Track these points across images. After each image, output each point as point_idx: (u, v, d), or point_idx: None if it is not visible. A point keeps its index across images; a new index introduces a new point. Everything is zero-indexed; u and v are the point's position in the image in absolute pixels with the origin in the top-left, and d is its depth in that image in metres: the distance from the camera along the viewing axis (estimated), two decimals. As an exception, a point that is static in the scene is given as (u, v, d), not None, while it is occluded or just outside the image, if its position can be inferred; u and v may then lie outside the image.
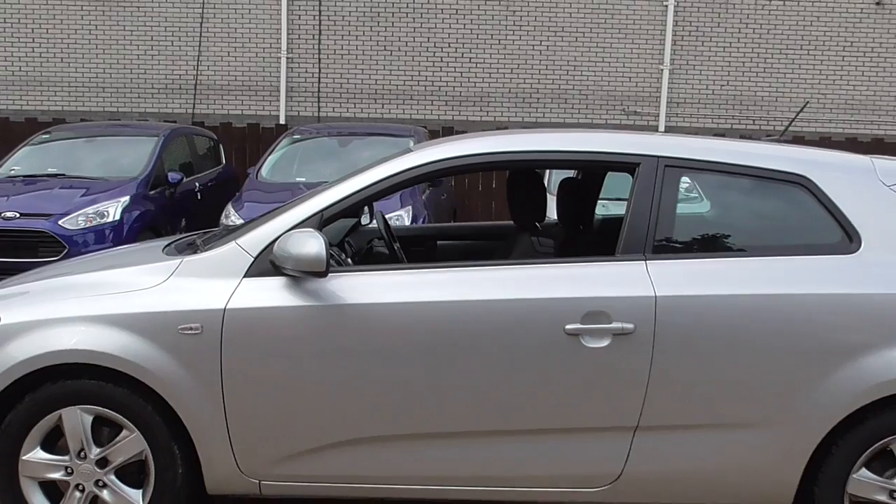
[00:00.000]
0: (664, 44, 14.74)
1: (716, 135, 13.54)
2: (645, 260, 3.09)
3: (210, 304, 3.02)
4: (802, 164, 3.25)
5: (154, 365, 2.99)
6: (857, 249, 3.12)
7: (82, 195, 8.02)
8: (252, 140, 12.78)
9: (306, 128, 9.33)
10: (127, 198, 8.06)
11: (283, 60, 14.45)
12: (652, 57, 14.84)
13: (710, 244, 3.24)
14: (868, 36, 14.71)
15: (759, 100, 14.93)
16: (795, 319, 3.03)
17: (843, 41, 14.79)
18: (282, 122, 14.28)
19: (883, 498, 3.08)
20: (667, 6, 14.66)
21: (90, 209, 7.82)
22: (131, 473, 3.12)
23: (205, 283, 3.07)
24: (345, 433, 3.06)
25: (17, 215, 7.63)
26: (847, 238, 3.14)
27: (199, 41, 14.60)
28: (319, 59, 14.58)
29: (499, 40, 14.64)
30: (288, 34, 14.49)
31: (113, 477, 3.09)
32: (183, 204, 9.13)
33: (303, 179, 8.35)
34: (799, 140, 13.64)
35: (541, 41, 14.76)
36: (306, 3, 14.50)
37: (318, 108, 14.67)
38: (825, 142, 13.59)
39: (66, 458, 3.09)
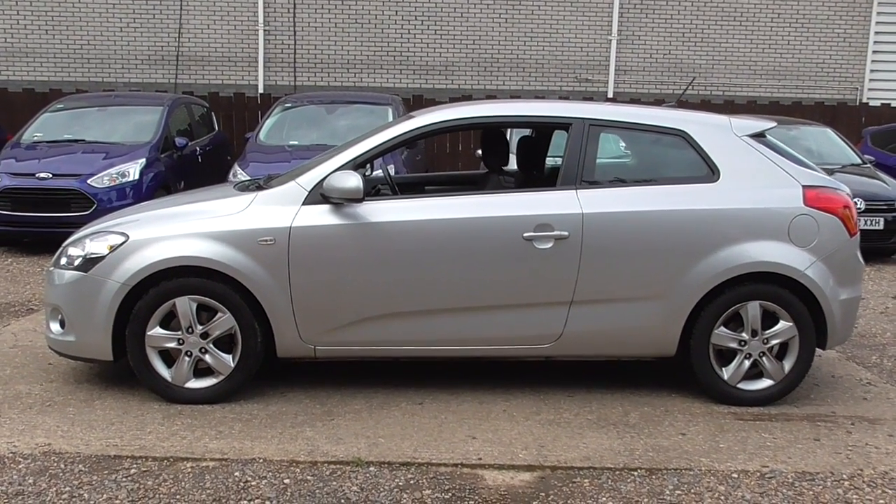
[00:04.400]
0: (612, 15, 16.11)
1: (657, 101, 15.09)
2: (576, 189, 4.54)
3: (280, 224, 4.41)
4: (681, 121, 4.71)
5: (242, 266, 4.37)
6: (717, 180, 4.60)
7: (104, 158, 9.24)
8: (238, 108, 13.94)
9: (296, 96, 10.59)
10: (143, 160, 9.31)
11: (261, 33, 15.55)
12: (601, 28, 16.22)
13: (620, 178, 4.68)
14: (793, 9, 16.22)
15: (697, 67, 16.41)
16: (675, 226, 4.50)
17: (771, 13, 16.28)
18: (261, 91, 15.44)
19: (734, 345, 4.59)
20: (613, -18, 15.96)
21: (113, 170, 9.06)
22: (224, 344, 4.50)
23: (275, 209, 4.45)
24: (373, 311, 4.47)
25: (50, 175, 8.86)
26: (711, 172, 4.62)
27: (180, 13, 15.59)
28: (294, 31, 15.71)
29: (461, 13, 15.90)
30: (264, 7, 15.55)
31: (212, 345, 4.48)
32: (186, 165, 10.37)
33: (295, 142, 9.67)
34: (730, 104, 15.21)
35: (500, 14, 16.04)
36: (283, -21, 15.58)
37: (295, 77, 15.84)
38: (752, 104, 15.18)
39: (179, 332, 4.45)
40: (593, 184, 4.58)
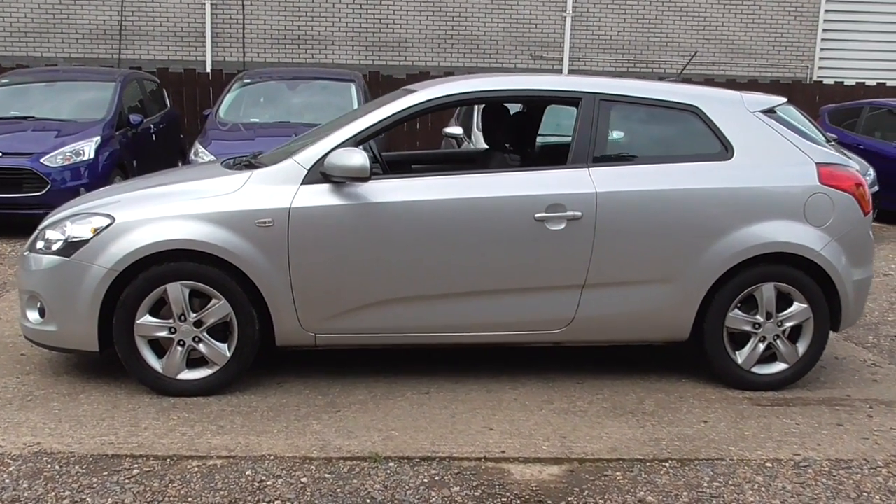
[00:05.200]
0: (567, -8, 16.02)
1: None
2: (588, 167, 4.35)
3: (278, 204, 4.12)
4: (694, 97, 4.56)
5: (239, 250, 4.07)
6: (731, 158, 4.46)
7: (56, 136, 8.73)
8: (189, 84, 13.40)
9: (254, 72, 10.19)
10: (98, 138, 8.83)
11: (208, 7, 14.97)
12: (556, 5, 16.07)
13: (631, 155, 4.52)
14: (746, -13, 16.36)
15: (651, 45, 16.43)
16: (691, 206, 4.35)
17: (725, -8, 16.39)
18: (209, 68, 14.89)
19: (748, 328, 4.48)
20: (570, -43, 15.83)
21: (67, 148, 8.56)
22: (218, 332, 4.21)
23: (272, 188, 4.16)
24: (377, 296, 4.22)
25: (1, 155, 8.32)
26: (724, 149, 4.48)
27: (123, -15, 14.94)
28: (243, 5, 15.18)
29: (416, -12, 15.62)
30: (211, -20, 15.03)
31: (206, 334, 4.18)
32: (141, 143, 9.91)
33: (256, 120, 9.30)
34: (686, 81, 15.22)
35: (454, -11, 15.80)
36: (232, -50, 15.02)
37: (244, 53, 15.32)
38: (709, 82, 15.21)
39: (170, 321, 4.14)
40: (605, 161, 4.40)
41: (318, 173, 4.16)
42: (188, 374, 4.20)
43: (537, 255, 4.27)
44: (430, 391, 4.37)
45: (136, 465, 3.45)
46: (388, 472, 3.47)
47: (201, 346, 4.18)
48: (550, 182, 4.30)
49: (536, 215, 4.24)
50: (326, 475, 3.42)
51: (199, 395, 4.18)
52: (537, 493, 3.35)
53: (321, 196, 4.15)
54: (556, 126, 6.45)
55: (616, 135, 4.46)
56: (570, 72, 16.07)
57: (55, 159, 8.44)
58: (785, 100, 4.81)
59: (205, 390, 4.20)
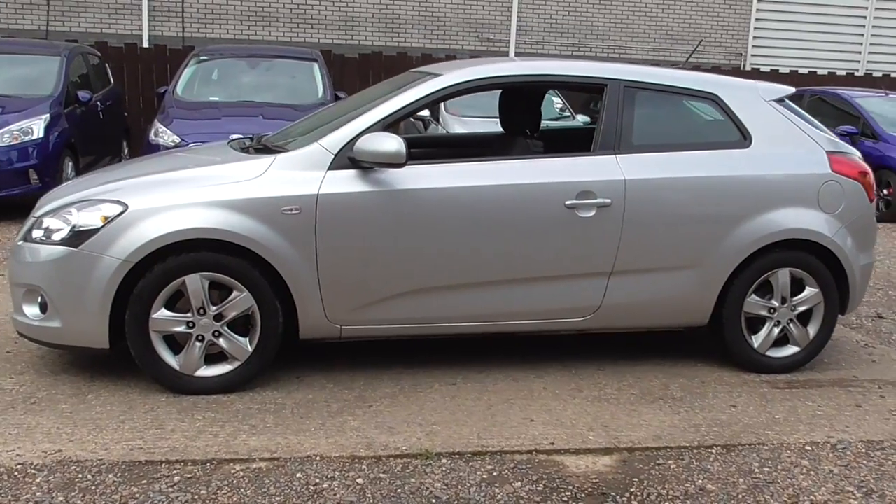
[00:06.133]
0: (513, -25, 15.96)
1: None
2: (615, 154, 4.30)
3: (306, 191, 3.93)
4: (712, 84, 4.56)
5: (264, 239, 3.87)
6: (750, 146, 4.48)
7: (0, 113, 8.21)
8: (129, 60, 12.80)
9: (211, 49, 9.79)
10: (47, 115, 8.36)
11: (145, -22, 14.38)
12: (502, -13, 16.03)
13: (654, 143, 4.48)
14: (687, -27, 16.62)
15: (595, 29, 16.54)
16: (714, 193, 4.35)
17: (665, -23, 16.61)
18: (146, 44, 14.28)
19: (764, 313, 4.53)
20: (519, -61, 15.77)
21: (14, 127, 8.08)
22: (238, 325, 4.01)
23: (298, 174, 3.96)
24: (405, 286, 4.09)
25: (-59, 134, 7.79)
26: (742, 137, 4.49)
27: (51, -48, 14.18)
28: (182, -23, 14.62)
29: (362, -34, 15.30)
30: (148, -50, 14.40)
31: (226, 328, 3.97)
32: (89, 121, 9.43)
33: (216, 98, 8.94)
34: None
35: (402, -31, 15.55)
36: (172, -79, 14.42)
37: (183, 29, 14.76)
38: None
39: (188, 315, 3.92)
40: (631, 148, 4.35)
41: (346, 158, 3.99)
42: (207, 371, 3.98)
43: (567, 242, 4.20)
44: (457, 382, 4.27)
45: (174, 472, 3.25)
46: (444, 469, 3.36)
47: (221, 341, 3.97)
48: (579, 169, 4.24)
49: (567, 202, 4.17)
50: (381, 475, 3.29)
51: (218, 392, 3.98)
52: (598, 485, 3.30)
53: (349, 182, 3.98)
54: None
55: (640, 122, 4.40)
56: (517, 55, 16.06)
57: (2, 138, 7.96)
58: (793, 89, 4.85)
59: (225, 387, 4.00)
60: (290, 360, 4.39)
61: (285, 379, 4.21)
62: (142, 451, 3.39)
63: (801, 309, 4.56)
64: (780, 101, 4.65)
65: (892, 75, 16.21)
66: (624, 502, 3.19)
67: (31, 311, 3.97)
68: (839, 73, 16.29)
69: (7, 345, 4.53)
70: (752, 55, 17.20)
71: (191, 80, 9.15)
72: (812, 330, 4.60)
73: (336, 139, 4.03)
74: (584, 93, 4.90)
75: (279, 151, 4.11)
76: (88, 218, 3.85)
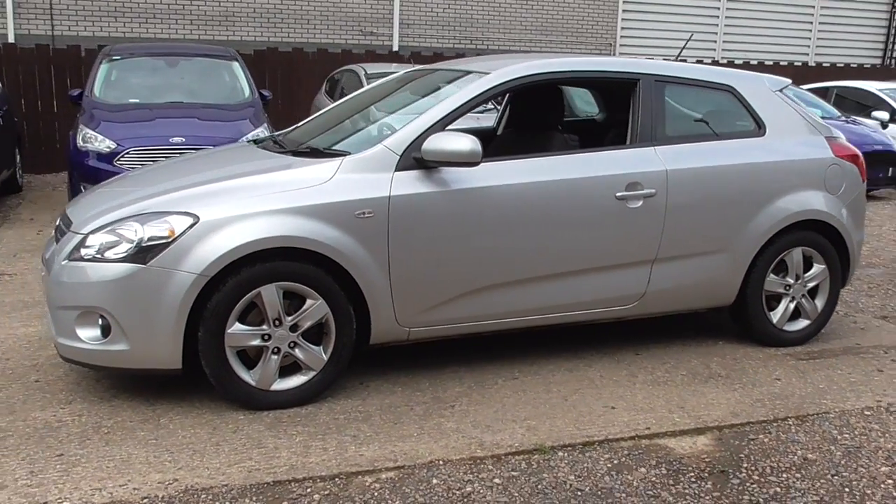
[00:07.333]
0: (394, -31, 15.95)
1: (439, 53, 15.32)
2: (654, 146, 4.48)
3: (377, 193, 3.85)
4: (727, 76, 4.83)
5: (340, 245, 3.76)
6: (764, 134, 4.79)
7: None
8: (10, 61, 11.79)
9: (121, 48, 9.20)
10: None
11: (6, -28, 13.29)
12: (382, -19, 15.98)
13: (683, 134, 4.68)
14: (556, -32, 17.20)
15: (475, 21, 16.81)
16: (741, 179, 4.62)
17: (538, -28, 17.12)
18: (10, 40, 13.23)
19: (781, 290, 4.86)
20: (404, -66, 15.75)
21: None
22: (312, 334, 3.87)
23: (367, 177, 3.87)
24: (471, 284, 4.08)
25: None
26: (758, 127, 4.79)
27: None
28: (46, -29, 13.62)
29: (243, -40, 14.80)
30: (8, -58, 13.32)
31: (301, 338, 3.83)
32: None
33: (137, 100, 8.45)
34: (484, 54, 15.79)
35: (283, -38, 15.17)
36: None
37: (52, 26, 13.78)
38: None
39: (264, 327, 3.75)
40: (666, 140, 4.54)
41: (411, 159, 3.94)
42: (282, 384, 3.84)
43: (618, 233, 4.34)
44: (518, 376, 4.31)
45: (309, 489, 3.13)
46: (566, 461, 3.42)
47: (297, 352, 3.83)
48: (625, 161, 4.38)
49: (617, 194, 4.30)
50: (513, 473, 3.31)
51: (293, 405, 3.84)
52: (712, 464, 3.45)
53: (416, 183, 3.94)
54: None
55: (671, 114, 4.60)
56: (400, 49, 16.08)
57: None
58: (791, 81, 5.21)
59: (300, 399, 3.86)
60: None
61: (350, 386, 4.11)
62: (261, 472, 3.24)
63: (810, 285, 4.92)
64: (781, 91, 4.98)
65: (752, 63, 17.44)
66: (745, 478, 3.36)
67: (89, 334, 3.68)
68: (706, 61, 17.35)
69: (30, 373, 4.17)
70: (621, 45, 18.05)
71: (106, 81, 8.59)
72: (820, 303, 4.98)
73: (400, 140, 3.97)
74: (614, 88, 4.98)
75: (341, 155, 4.00)
76: (155, 231, 3.61)
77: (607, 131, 5.06)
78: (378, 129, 4.46)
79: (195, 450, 3.41)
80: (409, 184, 3.93)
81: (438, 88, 4.38)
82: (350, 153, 3.98)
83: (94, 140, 7.54)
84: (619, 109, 5.05)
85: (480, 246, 4.06)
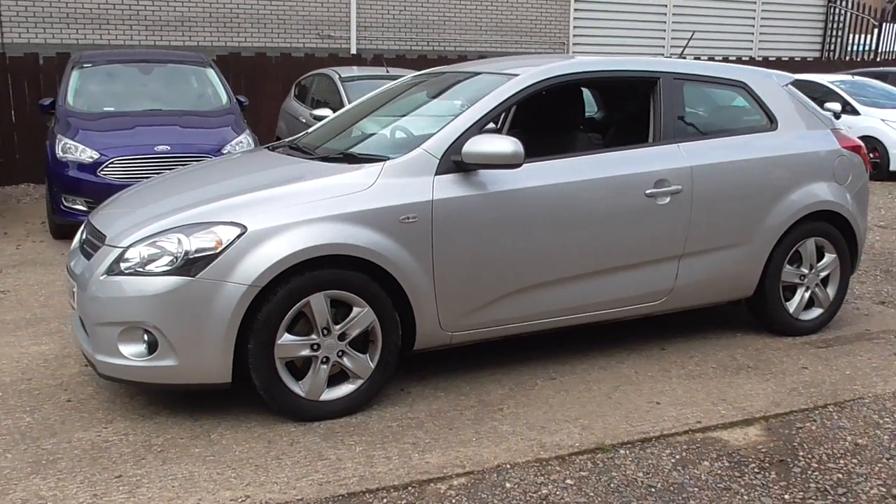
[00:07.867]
0: (350, -29, 15.85)
1: (398, 55, 15.32)
2: (677, 143, 4.54)
3: (421, 198, 3.82)
4: (739, 73, 4.93)
5: (387, 251, 3.72)
6: (777, 128, 4.89)
7: None
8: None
9: (90, 55, 8.94)
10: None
11: (-51, -21, 12.83)
12: (339, -17, 15.87)
13: (701, 130, 4.76)
14: (511, -32, 17.32)
15: (430, 23, 16.81)
16: (758, 173, 4.72)
17: (494, -28, 17.21)
18: (-39, 48, 12.78)
19: (796, 280, 4.97)
20: (360, -65, 15.65)
21: None
22: (358, 342, 3.82)
23: (408, 181, 3.84)
24: (512, 286, 4.08)
25: None
26: (770, 121, 4.90)
27: None
28: (-7, -22, 13.19)
29: (199, -37, 14.53)
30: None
31: (349, 347, 3.78)
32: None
33: (112, 108, 8.24)
34: (463, 58, 15.84)
35: (239, -34, 14.95)
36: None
37: (2, 33, 13.33)
38: (463, 59, 15.92)
39: (313, 336, 3.68)
40: (688, 136, 4.61)
41: (451, 162, 3.92)
42: (330, 394, 3.78)
43: (648, 229, 4.39)
44: (556, 377, 4.33)
45: (385, 499, 3.09)
46: (630, 459, 3.44)
47: (346, 360, 3.78)
48: (652, 158, 4.43)
49: (647, 191, 4.35)
50: (582, 473, 3.32)
51: (342, 415, 3.79)
52: (769, 454, 3.51)
53: (457, 186, 3.92)
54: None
55: (690, 111, 4.68)
56: (359, 51, 16.00)
57: None
58: (794, 76, 5.33)
59: (348, 409, 3.81)
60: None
61: (393, 394, 4.07)
62: (332, 485, 3.18)
63: (823, 274, 5.04)
64: (787, 85, 5.09)
65: (702, 58, 17.80)
66: (804, 466, 3.43)
67: (133, 350, 3.57)
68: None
69: (59, 393, 4.03)
70: (574, 43, 18.25)
71: (80, 90, 8.35)
72: (832, 292, 5.11)
73: (438, 143, 3.95)
74: (636, 87, 5.02)
75: (381, 160, 3.96)
76: (202, 243, 3.52)
77: (617, 129, 5.08)
78: (407, 133, 4.42)
79: (257, 465, 3.34)
80: (450, 187, 3.91)
81: (453, 90, 4.37)
82: (389, 157, 3.94)
83: (75, 150, 7.34)
84: (623, 108, 5.12)
85: (520, 247, 4.06)
